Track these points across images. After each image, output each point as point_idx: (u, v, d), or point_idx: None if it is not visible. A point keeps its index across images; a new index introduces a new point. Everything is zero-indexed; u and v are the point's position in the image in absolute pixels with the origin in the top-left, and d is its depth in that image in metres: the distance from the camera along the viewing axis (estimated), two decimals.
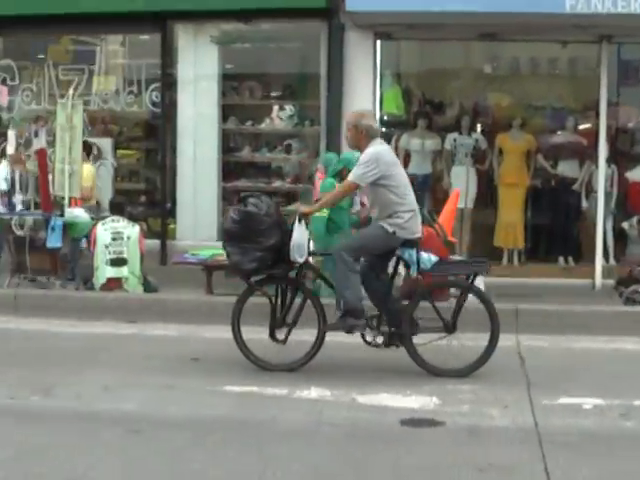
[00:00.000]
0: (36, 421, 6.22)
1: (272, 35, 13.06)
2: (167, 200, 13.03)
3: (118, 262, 10.61)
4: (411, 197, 7.54)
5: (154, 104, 12.89)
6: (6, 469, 5.26)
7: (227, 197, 13.06)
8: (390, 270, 7.74)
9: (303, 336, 7.71)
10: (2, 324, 9.54)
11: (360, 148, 7.61)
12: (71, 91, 12.22)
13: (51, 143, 12.04)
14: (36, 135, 12.14)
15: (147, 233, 12.22)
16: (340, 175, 9.99)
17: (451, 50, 13.08)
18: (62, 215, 10.91)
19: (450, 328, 7.53)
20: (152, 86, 12.86)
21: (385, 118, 12.84)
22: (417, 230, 7.54)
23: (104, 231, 10.69)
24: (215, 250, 10.88)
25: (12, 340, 8.90)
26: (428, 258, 7.72)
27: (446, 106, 13.79)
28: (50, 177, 11.30)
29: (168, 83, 12.84)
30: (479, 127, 13.37)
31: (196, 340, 8.66)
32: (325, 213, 9.69)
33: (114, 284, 10.58)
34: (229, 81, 13.24)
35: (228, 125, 13.22)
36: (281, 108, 13.34)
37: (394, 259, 7.67)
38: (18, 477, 5.18)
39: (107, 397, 6.82)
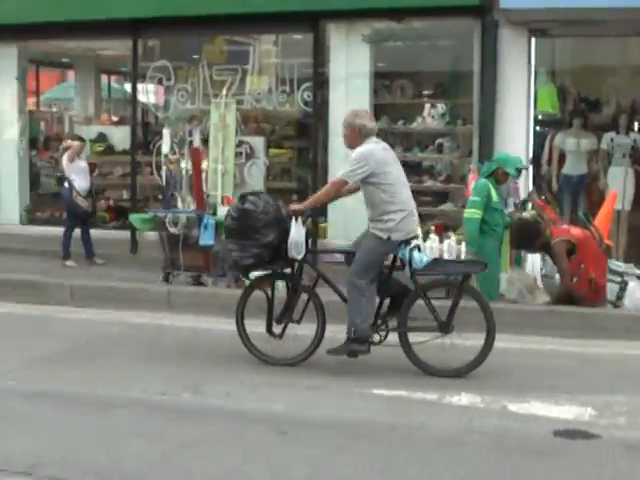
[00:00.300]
0: (186, 418, 6.30)
1: (424, 33, 12.93)
2: None
3: None
4: (403, 197, 7.47)
5: (306, 103, 12.93)
6: (156, 464, 5.35)
7: None
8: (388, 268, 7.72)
9: (306, 331, 7.79)
10: (156, 320, 9.75)
11: (354, 147, 7.58)
12: (225, 91, 12.41)
13: (205, 142, 12.26)
14: (190, 134, 12.35)
15: None
16: (494, 175, 9.79)
17: (607, 46, 12.64)
18: (215, 213, 11.06)
19: (445, 328, 7.44)
20: (304, 85, 12.90)
21: (539, 117, 12.54)
22: (412, 230, 7.51)
23: None
24: None
25: (165, 336, 9.07)
26: (420, 257, 7.50)
27: (602, 104, 13.40)
28: (203, 176, 11.49)
29: (320, 82, 12.87)
30: (637, 126, 12.90)
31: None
32: (479, 214, 9.51)
33: None
34: (381, 80, 13.19)
35: (380, 124, 13.13)
36: (433, 107, 13.20)
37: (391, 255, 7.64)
38: (167, 473, 5.26)
39: (255, 396, 6.85)
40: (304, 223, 7.63)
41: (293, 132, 14.11)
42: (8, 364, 7.69)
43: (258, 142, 13.20)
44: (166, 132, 12.90)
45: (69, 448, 5.61)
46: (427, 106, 13.19)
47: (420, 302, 7.54)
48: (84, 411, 6.45)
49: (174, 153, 12.94)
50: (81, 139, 13.41)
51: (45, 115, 18.89)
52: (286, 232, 7.54)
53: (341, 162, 12.66)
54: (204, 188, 11.47)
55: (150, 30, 13.53)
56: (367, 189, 7.49)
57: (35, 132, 16.49)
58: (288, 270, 7.85)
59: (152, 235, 12.01)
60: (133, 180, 13.85)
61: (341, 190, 7.74)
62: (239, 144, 12.59)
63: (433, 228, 10.91)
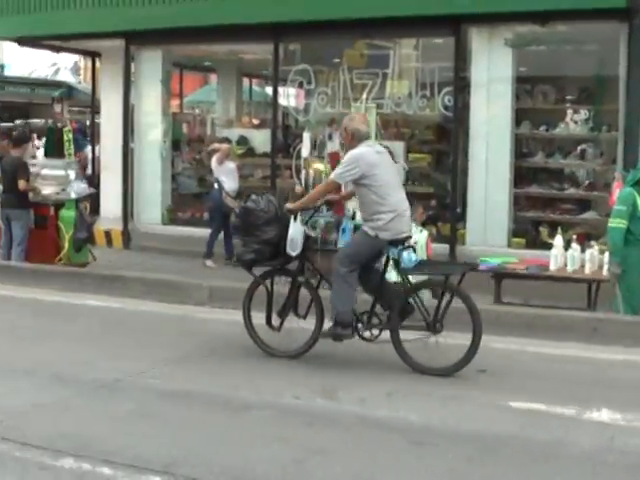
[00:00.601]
0: (319, 423, 6.31)
1: (568, 37, 12.65)
2: (457, 204, 12.94)
3: None
4: (393, 199, 7.70)
5: (446, 107, 12.84)
6: (288, 470, 5.37)
7: (519, 203, 12.80)
8: (381, 267, 7.95)
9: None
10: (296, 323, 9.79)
11: (349, 150, 7.92)
12: (365, 95, 12.42)
13: (344, 146, 12.28)
14: (330, 138, 12.42)
15: (436, 237, 12.21)
16: None
17: None
18: (353, 218, 11.07)
19: (432, 327, 7.62)
20: (445, 89, 12.82)
21: None
22: (402, 230, 7.73)
23: None
24: (505, 257, 10.69)
25: None
26: (409, 258, 7.68)
27: None
28: None
29: (461, 86, 12.76)
30: None
31: (483, 350, 8.46)
32: (624, 224, 9.25)
33: None
34: (522, 84, 12.99)
35: (521, 129, 12.96)
36: (576, 112, 12.91)
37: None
38: (298, 479, 5.28)
39: (390, 404, 6.81)
40: (309, 223, 8.14)
41: (433, 136, 14.04)
42: (148, 363, 7.88)
43: (397, 146, 13.17)
44: (306, 135, 13.04)
45: (205, 448, 5.69)
46: (570, 111, 12.94)
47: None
48: (221, 412, 6.54)
49: (314, 156, 13.08)
50: (228, 141, 13.66)
51: (188, 117, 19.32)
52: (287, 230, 7.90)
53: (481, 167, 12.57)
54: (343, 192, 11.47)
55: (291, 34, 13.68)
56: (359, 190, 7.81)
57: (178, 134, 16.90)
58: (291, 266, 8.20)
59: None
60: (273, 183, 14.02)
61: (332, 190, 8.12)
62: None
63: (575, 237, 10.66)
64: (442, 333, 7.66)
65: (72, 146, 17.40)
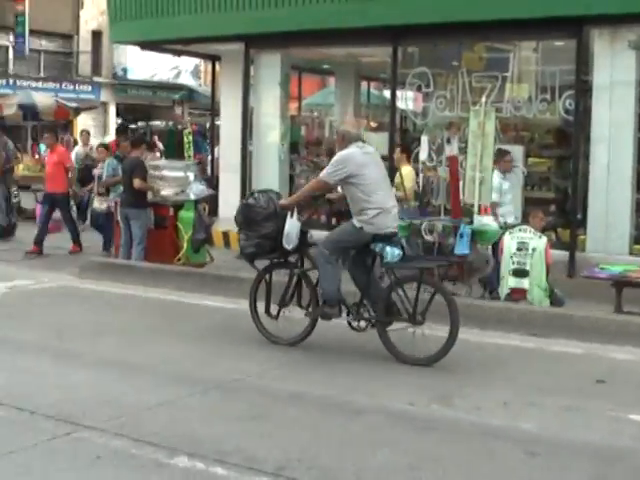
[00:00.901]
0: (435, 430, 6.26)
1: None
2: (578, 210, 12.69)
3: (520, 273, 10.38)
4: (379, 196, 8.16)
5: (567, 111, 12.59)
6: (403, 477, 5.34)
7: None
8: (369, 262, 8.36)
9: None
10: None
11: (340, 150, 8.38)
12: (484, 98, 12.29)
13: (462, 150, 12.19)
14: (448, 142, 12.33)
15: (556, 243, 12.00)
16: None
17: None
18: (471, 222, 10.98)
19: (413, 319, 8.03)
20: (566, 93, 12.57)
21: None
22: (386, 226, 8.15)
23: (510, 240, 10.55)
24: (627, 266, 10.43)
25: None
26: (392, 252, 8.04)
27: None
28: (461, 184, 11.43)
29: (583, 90, 12.49)
30: None
31: (602, 360, 8.29)
32: None
33: (518, 295, 10.40)
34: None
35: None
36: None
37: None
38: None
39: (506, 413, 6.71)
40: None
41: (553, 141, 13.79)
42: (263, 364, 7.96)
43: (517, 151, 12.97)
44: (424, 139, 12.96)
45: (317, 452, 5.72)
46: None
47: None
48: (335, 415, 6.55)
49: (431, 160, 13.00)
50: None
51: (306, 120, 19.44)
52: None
53: (603, 171, 12.28)
54: (461, 196, 11.40)
55: (410, 37, 13.63)
56: (348, 188, 8.30)
57: (296, 136, 17.02)
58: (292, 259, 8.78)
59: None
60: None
61: (322, 189, 8.62)
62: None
63: None
64: (424, 325, 8.05)
65: (192, 148, 17.72)
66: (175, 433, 5.98)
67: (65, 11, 37.75)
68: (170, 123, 31.46)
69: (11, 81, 35.20)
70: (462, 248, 10.65)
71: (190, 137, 17.78)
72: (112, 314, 10.16)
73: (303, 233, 8.63)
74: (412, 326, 8.07)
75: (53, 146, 15.29)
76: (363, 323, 8.43)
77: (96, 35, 39.01)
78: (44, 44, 37.76)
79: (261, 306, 8.89)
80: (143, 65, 38.55)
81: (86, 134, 20.49)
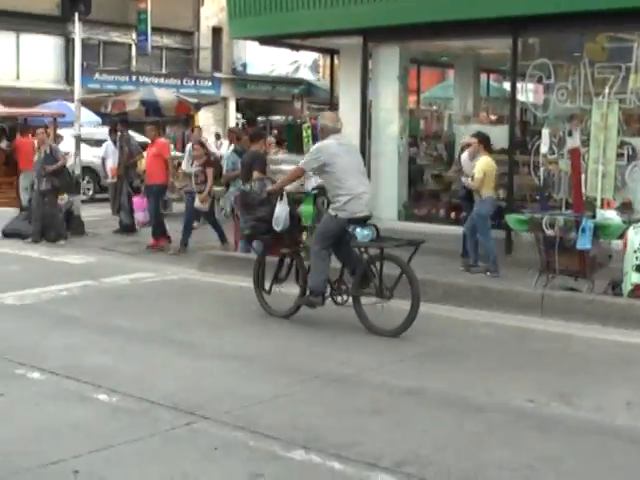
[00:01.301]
0: (555, 429, 6.15)
1: None
2: None
3: None
4: (349, 183, 9.00)
5: None
6: (522, 477, 5.28)
7: None
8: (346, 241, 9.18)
9: None
10: (526, 323, 9.64)
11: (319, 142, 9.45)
12: (607, 89, 12.00)
13: (585, 142, 11.93)
14: (570, 134, 12.08)
15: None
16: None
17: None
18: (594, 216, 10.74)
19: (380, 294, 8.94)
20: None
21: None
22: (358, 210, 9.01)
23: (634, 235, 10.28)
24: None
25: (535, 340, 8.94)
26: (362, 234, 8.99)
27: None
28: (583, 177, 11.19)
29: None
30: None
31: None
32: None
33: None
34: None
35: None
36: None
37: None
38: None
39: (630, 414, 6.55)
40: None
41: None
42: (382, 358, 7.97)
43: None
44: (545, 132, 12.73)
45: (435, 448, 5.69)
46: None
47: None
48: (453, 412, 6.50)
49: (553, 153, 12.76)
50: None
51: (425, 114, 19.33)
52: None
53: None
54: (583, 190, 11.15)
55: (530, 28, 13.38)
56: (324, 177, 9.32)
57: (415, 130, 16.94)
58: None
59: (527, 236, 11.85)
60: (510, 180, 13.76)
61: (300, 176, 9.98)
62: (621, 145, 12.13)
63: None
64: (391, 300, 8.88)
65: (311, 142, 17.80)
66: (292, 426, 6.04)
67: (186, 8, 38.44)
68: (289, 117, 31.71)
69: (134, 78, 36.04)
70: (584, 243, 10.41)
71: (309, 131, 17.85)
72: (230, 306, 10.32)
73: (294, 217, 9.65)
74: (380, 300, 8.92)
75: (154, 139, 15.58)
76: (345, 297, 9.27)
77: (216, 31, 39.61)
78: (165, 41, 38.52)
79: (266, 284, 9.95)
80: (262, 60, 38.96)
81: (198, 130, 20.47)
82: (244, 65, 40.27)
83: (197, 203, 14.33)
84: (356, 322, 9.08)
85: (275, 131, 28.55)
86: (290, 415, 6.31)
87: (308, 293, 9.33)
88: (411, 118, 16.67)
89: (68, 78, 33.37)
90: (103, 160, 19.72)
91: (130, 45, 37.19)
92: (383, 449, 5.62)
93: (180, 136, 26.37)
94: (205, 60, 39.75)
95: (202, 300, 10.75)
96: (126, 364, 7.66)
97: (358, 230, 9.00)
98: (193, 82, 38.14)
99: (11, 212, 16.62)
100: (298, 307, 9.53)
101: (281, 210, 9.48)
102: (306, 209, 12.88)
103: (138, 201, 15.88)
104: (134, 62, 37.37)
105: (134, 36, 36.79)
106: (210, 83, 39.02)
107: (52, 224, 15.70)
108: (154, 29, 36.21)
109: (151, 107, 22.48)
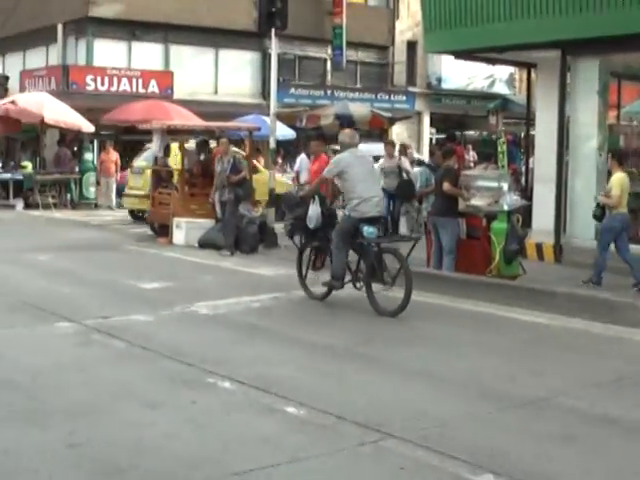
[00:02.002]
0: None
1: None
2: None
3: None
4: (361, 188, 10.78)
5: None
6: None
7: None
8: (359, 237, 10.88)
9: None
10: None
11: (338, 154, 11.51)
12: None
13: None
14: None
15: None
16: None
17: None
18: None
19: (382, 282, 10.67)
20: None
21: None
22: (367, 211, 10.75)
23: None
24: None
25: None
26: (368, 231, 10.66)
27: None
28: None
29: None
30: None
31: None
32: None
33: None
34: None
35: None
36: None
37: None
38: None
39: None
40: (328, 205, 11.51)
41: None
42: (572, 383, 7.74)
43: None
44: None
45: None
46: None
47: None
48: None
49: None
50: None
51: (625, 129, 18.72)
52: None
53: None
54: None
55: None
56: (341, 183, 11.10)
57: (614, 146, 16.44)
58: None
59: None
60: None
61: (323, 182, 11.71)
62: None
63: None
64: (393, 288, 10.56)
65: (505, 158, 17.57)
66: (480, 449, 5.95)
67: (381, 23, 38.75)
68: (484, 133, 31.39)
69: (328, 92, 36.58)
70: None
71: (504, 147, 17.64)
72: (421, 324, 10.27)
73: (327, 216, 11.31)
74: (383, 287, 10.64)
75: (318, 154, 15.63)
76: (361, 283, 10.97)
77: (411, 45, 39.74)
78: (360, 55, 38.91)
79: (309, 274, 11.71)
80: (457, 74, 38.76)
81: (390, 146, 19.33)
82: (439, 79, 40.18)
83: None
84: (550, 345, 8.86)
85: (470, 146, 28.35)
86: (478, 437, 6.22)
87: (330, 278, 11.09)
88: (610, 134, 16.18)
89: (264, 92, 34.22)
90: (297, 174, 20.09)
91: (325, 60, 37.79)
92: (571, 477, 5.45)
93: None
94: (400, 74, 39.92)
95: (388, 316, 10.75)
96: (314, 377, 7.75)
97: (365, 228, 10.70)
98: (387, 96, 38.34)
99: (208, 223, 17.09)
100: (329, 291, 11.24)
101: (313, 211, 11.29)
102: (499, 226, 12.76)
103: None
104: (329, 76, 37.94)
105: (329, 51, 37.37)
106: (404, 97, 39.13)
107: (242, 236, 16.05)
108: (349, 43, 36.69)
109: (345, 121, 22.70)
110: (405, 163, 18.11)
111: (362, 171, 10.97)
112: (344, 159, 11.07)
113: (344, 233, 10.95)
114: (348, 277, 11.12)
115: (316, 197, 11.32)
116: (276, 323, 10.09)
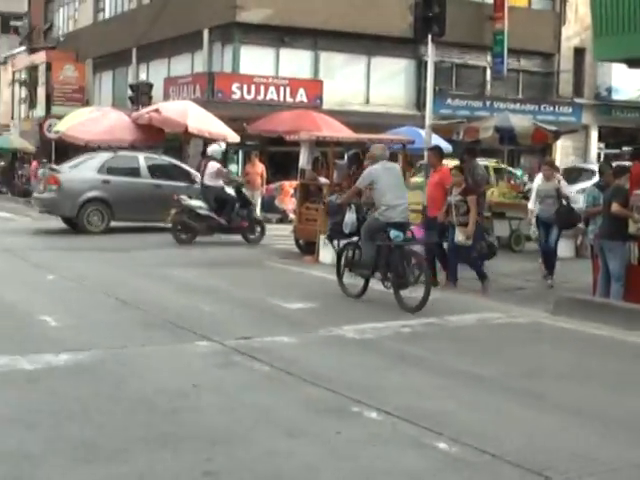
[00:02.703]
0: None
1: None
2: None
3: None
4: (389, 197, 12.66)
5: None
6: None
7: None
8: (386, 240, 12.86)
9: None
10: None
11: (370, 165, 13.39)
12: None
13: None
14: None
15: None
16: None
17: None
18: None
19: (406, 282, 12.53)
20: None
21: None
22: (393, 217, 12.68)
23: None
24: None
25: None
26: (394, 234, 12.56)
27: None
28: None
29: None
30: None
31: None
32: None
33: None
34: None
35: None
36: None
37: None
38: None
39: None
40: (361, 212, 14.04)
41: None
42: None
43: None
44: None
45: None
46: None
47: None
48: None
49: None
50: None
51: None
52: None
53: None
54: None
55: None
56: (372, 192, 12.95)
57: None
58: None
59: None
60: None
61: (357, 192, 13.67)
62: None
63: None
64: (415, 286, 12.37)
65: None
66: None
67: (546, 28, 38.22)
68: None
69: (488, 103, 36.28)
70: None
71: None
72: (587, 358, 9.98)
73: (362, 222, 13.55)
74: (405, 286, 12.46)
75: (436, 166, 15.38)
76: (388, 283, 12.69)
77: (578, 52, 39.06)
78: (523, 64, 38.50)
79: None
80: (630, 84, 37.83)
81: (549, 167, 16.67)
82: (609, 90, 39.34)
83: (459, 237, 14.05)
84: None
85: None
86: None
87: (362, 267, 13.08)
88: None
89: (419, 103, 34.22)
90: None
91: (484, 68, 37.54)
92: None
93: (534, 167, 26.10)
94: (565, 84, 39.27)
95: (552, 347, 10.50)
96: (468, 412, 7.60)
97: (392, 231, 12.61)
98: (551, 108, 37.74)
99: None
100: (364, 289, 13.11)
101: (349, 217, 14.21)
102: None
103: (416, 232, 15.51)
104: (488, 86, 37.65)
105: (489, 58, 37.13)
106: (570, 109, 38.42)
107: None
108: (510, 51, 36.36)
109: (506, 135, 22.46)
110: (565, 187, 16.76)
111: (390, 182, 12.85)
112: (375, 171, 12.98)
113: (370, 230, 13.03)
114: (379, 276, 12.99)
115: (352, 205, 14.10)
116: (428, 350, 9.96)
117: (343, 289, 13.40)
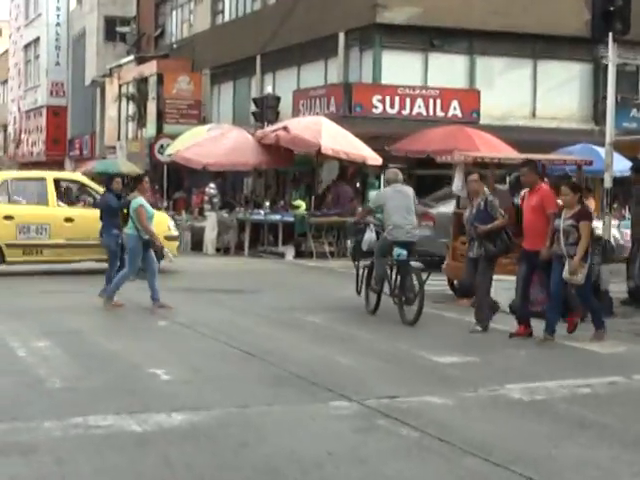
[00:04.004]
0: None
1: None
2: None
3: None
4: (396, 218, 15.76)
5: None
6: None
7: None
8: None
9: None
10: None
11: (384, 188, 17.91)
12: None
13: None
14: None
15: None
16: None
17: None
18: None
19: (406, 298, 15.67)
20: None
21: None
22: (399, 236, 15.73)
23: None
24: None
25: None
26: (397, 252, 15.58)
27: None
28: None
29: None
30: None
31: None
32: None
33: None
34: None
35: None
36: None
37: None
38: None
39: None
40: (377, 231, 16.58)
41: None
42: None
43: None
44: None
45: None
46: None
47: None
48: None
49: None
50: None
51: None
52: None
53: None
54: None
55: None
56: (383, 212, 16.06)
57: None
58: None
59: None
60: None
61: (370, 213, 17.09)
62: None
63: None
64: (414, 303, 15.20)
65: None
66: None
67: None
68: None
69: None
70: None
71: None
72: None
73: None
74: (405, 303, 15.45)
75: (534, 185, 14.31)
76: (397, 299, 15.66)
77: None
78: None
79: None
80: None
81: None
82: None
83: (566, 273, 13.30)
84: None
85: None
86: None
87: (373, 282, 16.12)
88: None
89: (596, 115, 33.71)
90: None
91: None
92: None
93: None
94: None
95: None
96: None
97: (396, 249, 15.53)
98: None
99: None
100: (378, 303, 16.17)
101: (368, 236, 16.57)
102: None
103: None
104: None
105: None
106: None
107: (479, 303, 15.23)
108: None
109: None
110: None
111: (398, 204, 15.82)
112: (385, 193, 16.61)
113: (380, 249, 16.06)
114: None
115: (372, 225, 16.66)
116: (613, 417, 9.70)
117: (366, 303, 16.52)
